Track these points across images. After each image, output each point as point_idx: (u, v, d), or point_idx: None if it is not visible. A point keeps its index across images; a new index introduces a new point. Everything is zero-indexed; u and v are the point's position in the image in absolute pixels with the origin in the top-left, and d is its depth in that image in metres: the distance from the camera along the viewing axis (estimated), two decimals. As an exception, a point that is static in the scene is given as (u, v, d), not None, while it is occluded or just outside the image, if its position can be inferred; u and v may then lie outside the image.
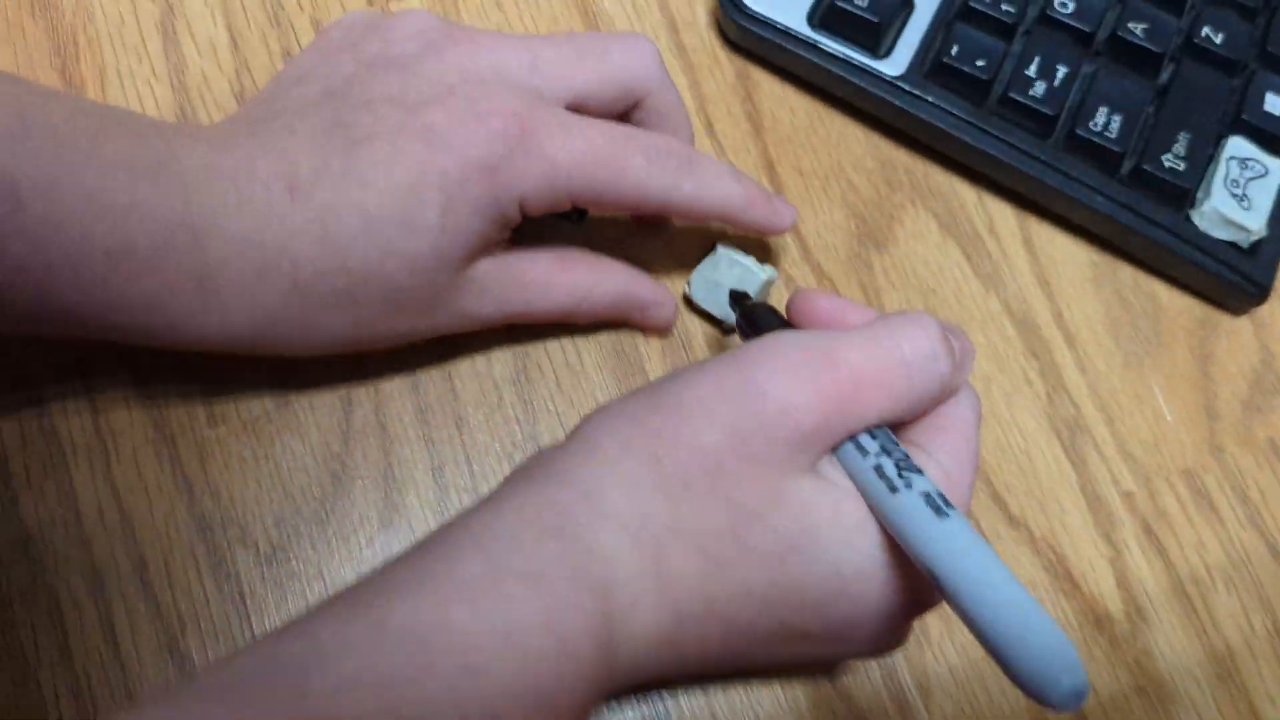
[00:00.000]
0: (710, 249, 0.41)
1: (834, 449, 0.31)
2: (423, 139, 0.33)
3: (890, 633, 0.32)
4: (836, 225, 0.44)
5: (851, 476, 0.31)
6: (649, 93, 0.38)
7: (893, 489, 0.29)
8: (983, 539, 0.28)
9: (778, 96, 0.46)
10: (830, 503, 0.30)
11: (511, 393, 0.40)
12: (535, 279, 0.37)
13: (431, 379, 0.40)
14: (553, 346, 0.41)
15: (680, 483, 0.29)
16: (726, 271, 0.40)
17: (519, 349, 0.40)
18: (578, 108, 0.36)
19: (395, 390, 0.39)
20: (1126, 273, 0.46)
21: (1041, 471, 0.42)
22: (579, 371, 0.40)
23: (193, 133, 0.34)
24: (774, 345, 0.31)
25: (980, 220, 0.45)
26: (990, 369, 0.44)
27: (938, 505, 0.28)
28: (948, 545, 0.28)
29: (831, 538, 0.30)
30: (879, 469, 0.30)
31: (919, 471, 0.30)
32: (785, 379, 0.30)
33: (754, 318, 0.37)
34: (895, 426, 0.33)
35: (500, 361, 0.40)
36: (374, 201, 0.33)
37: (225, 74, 0.42)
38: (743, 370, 0.30)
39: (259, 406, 0.38)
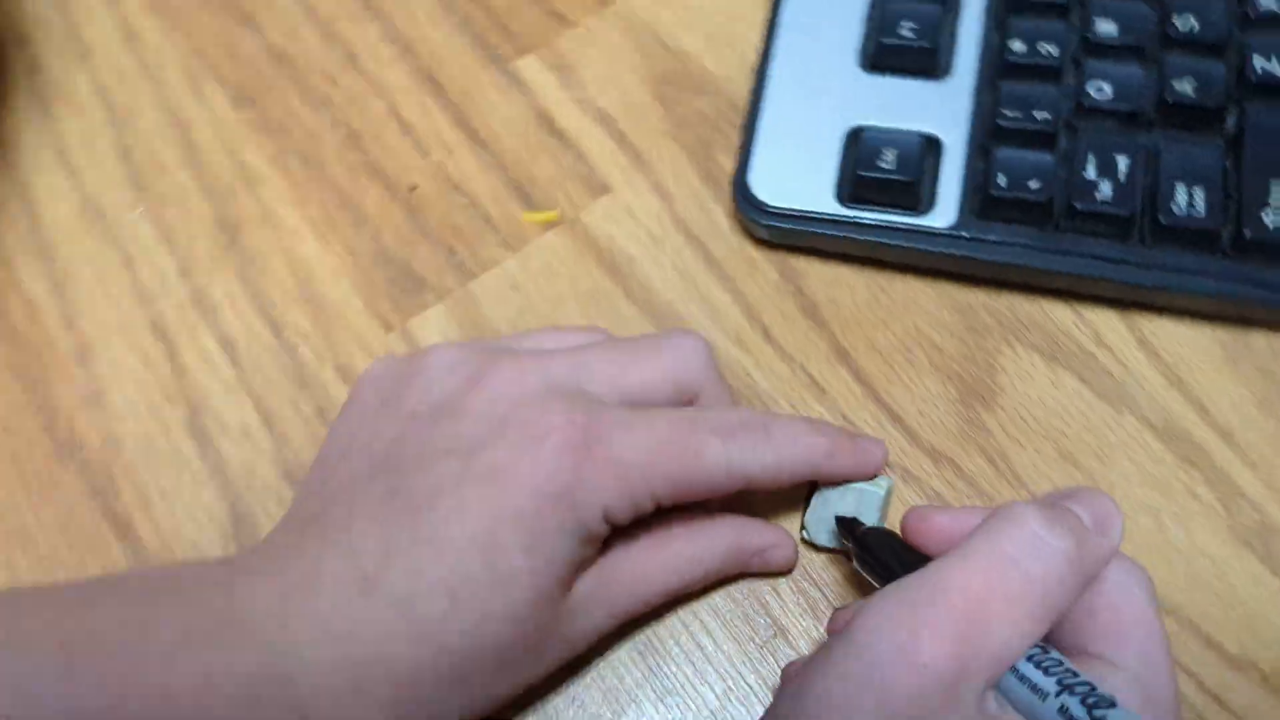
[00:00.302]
0: (810, 485, 0.38)
1: (996, 685, 0.28)
2: (487, 482, 0.31)
3: None
4: (935, 395, 0.41)
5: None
6: (701, 389, 0.36)
7: None
8: None
9: (829, 279, 0.42)
10: None
11: (651, 698, 0.37)
12: (638, 573, 0.35)
13: (557, 701, 0.36)
14: (675, 627, 0.38)
15: None
16: (839, 502, 0.37)
17: (640, 640, 0.37)
18: None
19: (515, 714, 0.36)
20: (1261, 341, 0.41)
21: (1244, 594, 0.38)
22: (714, 654, 0.37)
23: (250, 566, 0.32)
24: (875, 606, 0.28)
25: (1085, 337, 0.42)
26: (1150, 496, 0.39)
27: None
28: None
29: None
30: (1064, 711, 0.26)
31: (1111, 704, 0.26)
32: (898, 634, 0.27)
33: (869, 547, 0.34)
34: (1060, 646, 0.29)
35: (625, 663, 0.37)
36: (452, 565, 0.30)
37: (267, 456, 0.40)
38: (856, 646, 0.28)
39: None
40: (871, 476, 0.37)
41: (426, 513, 0.31)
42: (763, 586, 0.38)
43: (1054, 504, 0.30)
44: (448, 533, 0.31)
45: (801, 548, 0.38)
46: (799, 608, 0.38)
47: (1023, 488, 0.39)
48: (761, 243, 0.43)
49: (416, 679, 0.31)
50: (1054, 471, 0.40)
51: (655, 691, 0.37)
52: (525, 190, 0.44)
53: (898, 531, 0.34)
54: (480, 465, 0.31)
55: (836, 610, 0.34)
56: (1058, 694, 0.26)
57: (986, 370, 0.41)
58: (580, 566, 0.33)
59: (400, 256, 0.43)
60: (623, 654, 0.37)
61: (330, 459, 0.34)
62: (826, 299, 0.42)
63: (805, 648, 0.37)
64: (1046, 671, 0.27)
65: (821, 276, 0.43)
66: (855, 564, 0.35)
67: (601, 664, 0.37)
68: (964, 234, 0.40)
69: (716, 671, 0.37)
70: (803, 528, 0.38)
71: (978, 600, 0.27)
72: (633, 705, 0.36)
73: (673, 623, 0.38)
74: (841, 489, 0.37)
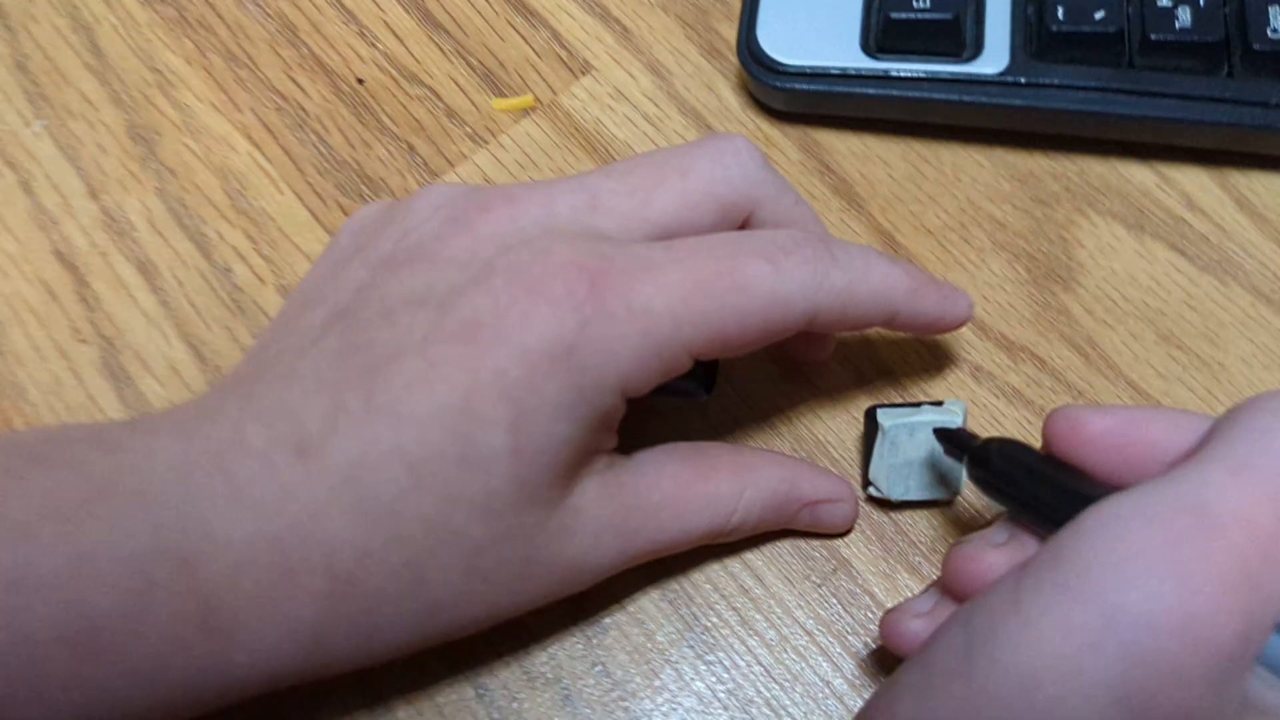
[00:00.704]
0: (865, 424, 0.31)
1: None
2: (463, 339, 0.24)
3: None
4: (1001, 278, 0.34)
5: None
6: (757, 204, 0.28)
7: None
8: None
9: (861, 153, 0.36)
10: None
11: (690, 657, 0.29)
12: (664, 499, 0.27)
13: (575, 667, 0.29)
14: (712, 570, 0.30)
15: None
16: (909, 441, 0.30)
17: (671, 588, 0.30)
18: None
19: (530, 692, 0.28)
20: (1380, 189, 0.35)
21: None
22: (762, 598, 0.30)
23: (152, 426, 0.24)
24: (1110, 529, 0.19)
25: (1174, 200, 0.35)
26: (1278, 381, 0.32)
27: None
28: None
29: None
30: None
31: None
32: (1161, 582, 0.18)
33: (998, 464, 0.26)
34: None
35: (654, 616, 0.29)
36: (415, 439, 0.23)
37: (197, 394, 0.33)
38: (1086, 588, 0.19)
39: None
40: (959, 325, 0.29)
41: (386, 374, 0.24)
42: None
43: None
44: (410, 400, 0.23)
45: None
46: (863, 534, 0.31)
47: (1121, 380, 0.32)
48: (777, 115, 0.36)
49: (361, 571, 0.23)
50: (1155, 358, 0.33)
51: (694, 648, 0.29)
52: (493, 76, 0.37)
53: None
54: (455, 318, 0.24)
55: (957, 548, 0.25)
56: None
57: (1060, 245, 0.34)
58: (583, 459, 0.25)
59: (351, 160, 0.36)
60: (649, 604, 0.30)
61: (288, 315, 0.27)
62: (860, 176, 0.35)
63: (877, 584, 0.30)
64: None
65: (852, 150, 0.36)
66: (979, 487, 0.27)
67: (624, 617, 0.30)
68: (1019, 80, 0.34)
69: (766, 619, 0.30)
70: (867, 484, 0.31)
71: (1271, 535, 0.19)
72: (668, 666, 0.29)
73: (709, 565, 0.30)
74: (907, 428, 0.29)
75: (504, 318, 0.24)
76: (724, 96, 0.37)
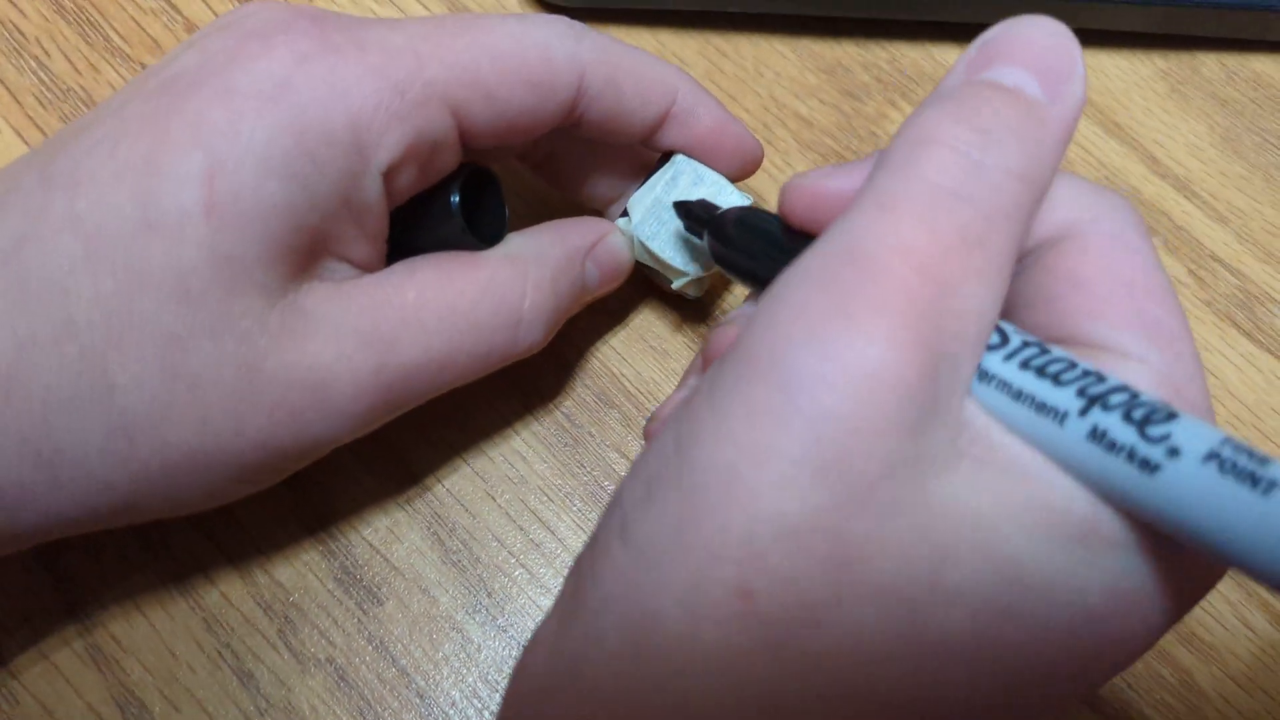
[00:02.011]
0: (658, 162, 0.27)
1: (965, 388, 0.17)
2: (162, 91, 0.20)
3: (1151, 642, 0.18)
4: (810, 181, 0.31)
5: (1047, 451, 0.17)
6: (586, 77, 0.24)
7: (1147, 465, 0.15)
8: None
9: (656, 49, 0.32)
10: (1023, 499, 0.16)
11: (448, 573, 0.26)
12: (424, 297, 0.23)
13: (350, 644, 0.26)
14: (462, 480, 0.27)
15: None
16: (690, 192, 0.26)
17: (420, 503, 0.27)
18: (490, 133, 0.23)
19: (301, 676, 0.26)
20: (1211, 65, 0.32)
21: (1233, 380, 0.29)
22: (527, 478, 0.27)
23: None
24: (777, 299, 0.17)
25: (992, 86, 0.32)
26: (1100, 275, 0.30)
27: (1244, 467, 0.15)
28: None
29: (1057, 564, 0.16)
30: (1100, 435, 0.16)
31: (1171, 414, 0.16)
32: (825, 334, 0.16)
33: (733, 235, 0.23)
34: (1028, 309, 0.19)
35: (409, 537, 0.27)
36: (91, 203, 0.19)
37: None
38: (760, 368, 0.16)
39: None
40: (750, 151, 0.26)
41: (70, 146, 0.20)
42: (584, 399, 0.28)
43: (974, 87, 0.18)
44: (90, 163, 0.20)
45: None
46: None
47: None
48: (562, 12, 0.32)
49: (23, 364, 0.19)
50: (973, 257, 0.30)
51: (486, 611, 0.26)
52: (238, -18, 0.33)
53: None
54: (158, 79, 0.21)
55: (713, 331, 0.23)
56: (1083, 411, 0.16)
57: (871, 142, 0.31)
58: (311, 249, 0.21)
59: (78, 87, 0.31)
60: (430, 569, 0.27)
61: None
62: (654, 76, 0.32)
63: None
64: (1054, 378, 0.16)
65: (645, 46, 0.32)
66: (717, 265, 0.24)
67: (401, 584, 0.26)
68: (819, -42, 0.30)
69: (558, 572, 0.27)
70: (624, 215, 0.26)
71: (929, 255, 0.16)
72: (455, 632, 0.26)
73: (493, 519, 0.27)
74: (695, 174, 0.26)
75: (207, 64, 0.20)
76: (505, 2, 0.33)
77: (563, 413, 0.28)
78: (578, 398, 0.28)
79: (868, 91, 0.32)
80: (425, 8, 0.32)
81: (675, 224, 0.26)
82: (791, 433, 0.16)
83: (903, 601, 0.16)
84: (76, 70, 0.31)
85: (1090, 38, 0.32)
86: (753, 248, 0.22)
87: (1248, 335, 0.29)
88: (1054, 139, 0.18)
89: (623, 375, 0.28)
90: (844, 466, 0.16)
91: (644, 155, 0.27)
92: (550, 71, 0.22)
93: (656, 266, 0.26)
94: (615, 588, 0.17)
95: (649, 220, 0.26)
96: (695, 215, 0.24)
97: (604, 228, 0.26)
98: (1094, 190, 0.19)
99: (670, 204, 0.26)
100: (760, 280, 0.22)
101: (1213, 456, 0.15)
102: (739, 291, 0.29)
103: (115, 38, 0.32)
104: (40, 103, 0.31)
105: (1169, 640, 0.27)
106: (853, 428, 0.15)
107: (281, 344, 0.21)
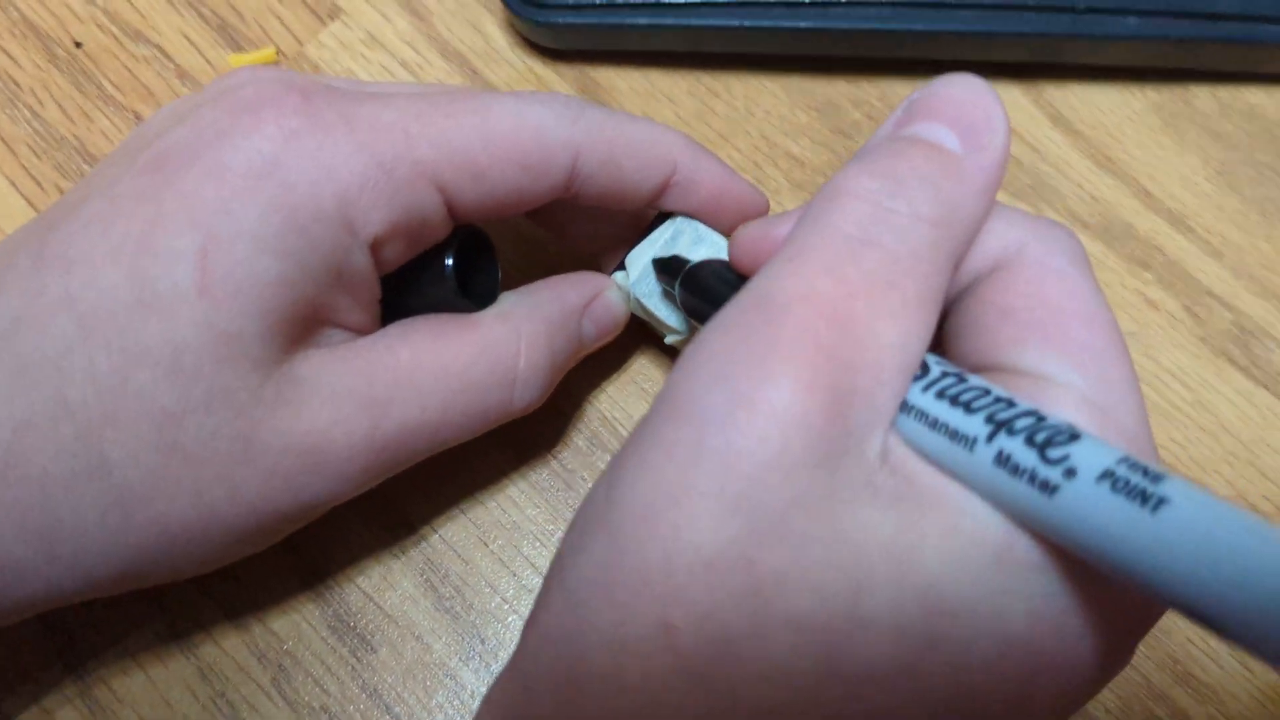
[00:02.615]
0: (653, 220, 0.27)
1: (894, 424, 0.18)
2: (153, 169, 0.20)
3: (1108, 669, 0.18)
4: (802, 220, 0.31)
5: (962, 479, 0.17)
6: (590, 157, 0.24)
7: (1046, 487, 0.16)
8: (1223, 502, 0.14)
9: (645, 90, 0.32)
10: (939, 526, 0.17)
11: (443, 628, 0.26)
12: (418, 357, 0.23)
13: (344, 692, 0.26)
14: (455, 527, 0.27)
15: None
16: (691, 251, 0.26)
17: (413, 550, 0.27)
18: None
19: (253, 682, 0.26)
20: (1204, 98, 0.32)
21: (1229, 416, 0.29)
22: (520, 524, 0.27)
23: None
24: (696, 349, 0.18)
25: (983, 122, 0.32)
26: (1094, 312, 0.30)
27: (1136, 485, 0.15)
28: (1186, 548, 0.14)
29: (976, 589, 0.16)
30: (1004, 460, 0.16)
31: (1073, 435, 0.16)
32: (732, 377, 0.17)
33: (697, 285, 0.23)
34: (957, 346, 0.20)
35: (402, 584, 0.27)
36: (84, 282, 0.20)
37: None
38: (678, 409, 0.17)
39: None
40: (755, 203, 0.26)
41: (63, 224, 0.20)
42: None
43: (892, 142, 0.19)
44: (84, 242, 0.20)
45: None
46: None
47: (928, 322, 0.29)
48: (551, 54, 0.33)
49: (20, 446, 0.19)
50: (965, 296, 0.30)
51: (480, 657, 0.26)
52: (229, 28, 0.33)
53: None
54: (149, 155, 0.21)
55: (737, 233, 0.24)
56: (990, 436, 0.16)
57: (863, 180, 0.31)
58: (307, 319, 0.21)
59: (71, 136, 0.32)
60: (422, 616, 0.27)
61: None
62: (645, 112, 0.32)
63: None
64: (965, 405, 0.17)
65: (634, 88, 0.32)
66: (690, 316, 0.24)
67: (395, 632, 0.27)
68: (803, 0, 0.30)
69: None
70: (621, 270, 0.26)
71: (834, 300, 0.17)
72: (448, 679, 0.26)
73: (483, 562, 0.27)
74: (695, 234, 0.26)
75: (198, 140, 0.20)
76: (491, 36, 0.33)
77: (554, 457, 0.28)
78: (568, 441, 0.28)
79: (859, 129, 0.31)
80: (416, 51, 0.32)
81: (661, 291, 0.26)
82: (704, 469, 0.16)
83: (821, 631, 0.16)
84: (70, 119, 0.32)
85: (1081, 73, 0.32)
86: (717, 297, 0.22)
87: (1244, 371, 0.29)
88: (973, 186, 0.19)
89: (614, 419, 0.28)
90: (755, 500, 0.16)
91: (643, 209, 0.27)
92: (544, 154, 0.22)
93: (652, 323, 0.26)
94: (549, 630, 0.18)
95: (646, 277, 0.26)
96: (668, 269, 0.25)
97: (600, 284, 0.26)
98: (1027, 221, 0.19)
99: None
100: None
101: (1106, 475, 0.15)
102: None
103: (108, 86, 0.32)
104: (34, 152, 0.31)
105: (1165, 680, 0.26)
106: (761, 463, 0.16)
107: (276, 412, 0.21)
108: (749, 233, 0.22)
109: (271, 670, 0.26)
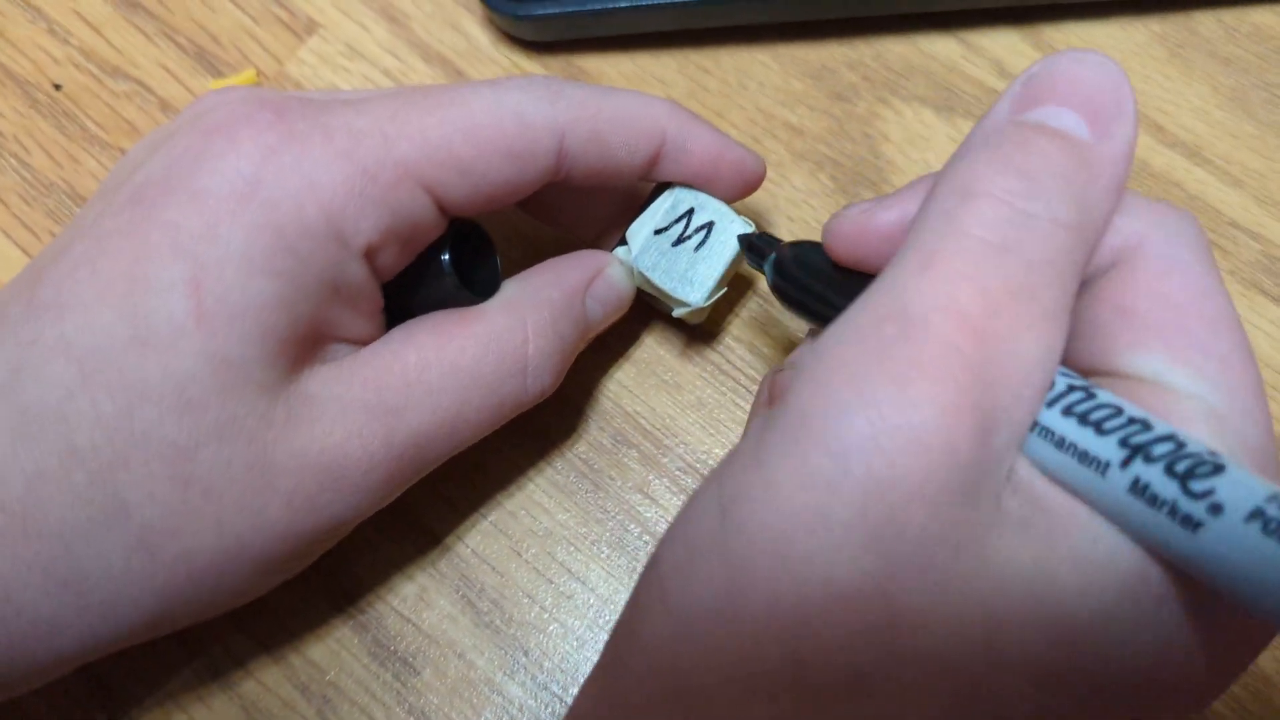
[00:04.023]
0: (652, 191, 0.26)
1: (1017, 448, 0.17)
2: (133, 202, 0.20)
3: (1224, 688, 0.18)
4: (808, 192, 0.30)
5: (1090, 502, 0.16)
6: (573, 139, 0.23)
7: (1189, 522, 0.15)
8: None
9: (634, 74, 0.31)
10: (1069, 553, 0.16)
11: (488, 653, 0.26)
12: (425, 358, 0.22)
13: (389, 716, 0.26)
14: (486, 539, 0.27)
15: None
16: (696, 219, 0.25)
17: (446, 566, 0.26)
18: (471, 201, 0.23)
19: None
20: (1208, 24, 0.31)
21: (1267, 349, 0.28)
22: (551, 530, 0.26)
23: None
24: (823, 361, 0.16)
25: (983, 70, 0.31)
26: (1116, 255, 0.29)
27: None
28: None
29: (1109, 623, 0.16)
30: (1141, 488, 0.15)
31: (1218, 467, 0.15)
32: (878, 402, 0.15)
33: (796, 274, 0.22)
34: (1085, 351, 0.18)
35: (439, 602, 0.26)
36: (79, 325, 0.19)
37: None
38: (811, 429, 0.16)
39: None
40: (751, 171, 0.25)
41: (51, 269, 0.20)
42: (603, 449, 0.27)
43: (1018, 129, 0.17)
44: (73, 285, 0.19)
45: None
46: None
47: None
48: (533, 47, 0.32)
49: (35, 498, 0.19)
50: (982, 252, 0.29)
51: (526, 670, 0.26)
52: (207, 54, 0.32)
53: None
54: (128, 189, 0.20)
55: (776, 376, 0.23)
56: (1125, 462, 0.15)
57: (865, 144, 0.30)
58: (309, 336, 0.21)
59: (60, 180, 0.31)
60: (463, 635, 0.26)
61: None
62: (636, 101, 0.31)
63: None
64: (1096, 426, 0.16)
65: (623, 72, 0.32)
66: (780, 300, 0.23)
67: (435, 652, 0.26)
68: (791, -37, 0.29)
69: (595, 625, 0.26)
70: (623, 244, 0.26)
71: (975, 314, 0.16)
72: (496, 695, 0.26)
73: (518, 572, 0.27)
74: (699, 198, 0.25)
75: (175, 167, 0.20)
76: (471, 35, 0.32)
77: (579, 457, 0.28)
78: (592, 440, 0.28)
79: (856, 92, 0.31)
80: (398, 58, 0.32)
81: (676, 253, 0.25)
82: (842, 498, 0.15)
83: (954, 670, 0.15)
84: (57, 164, 0.31)
85: (1079, 10, 0.31)
86: (809, 285, 0.21)
87: (1276, 301, 0.28)
88: (1105, 182, 0.17)
89: (637, 413, 0.28)
90: (895, 532, 0.15)
91: (637, 184, 0.26)
92: (528, 139, 0.22)
93: (658, 296, 0.26)
94: (660, 658, 0.17)
95: (649, 250, 0.25)
96: (756, 249, 0.24)
97: (600, 260, 0.26)
98: (1147, 209, 0.18)
99: (671, 234, 0.25)
100: (815, 317, 0.21)
101: (1257, 515, 0.14)
102: (744, 316, 0.29)
103: (92, 126, 0.32)
104: (24, 200, 0.31)
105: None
106: (905, 493, 0.15)
107: (289, 433, 0.20)
108: (849, 221, 0.20)
109: (316, 703, 0.26)
